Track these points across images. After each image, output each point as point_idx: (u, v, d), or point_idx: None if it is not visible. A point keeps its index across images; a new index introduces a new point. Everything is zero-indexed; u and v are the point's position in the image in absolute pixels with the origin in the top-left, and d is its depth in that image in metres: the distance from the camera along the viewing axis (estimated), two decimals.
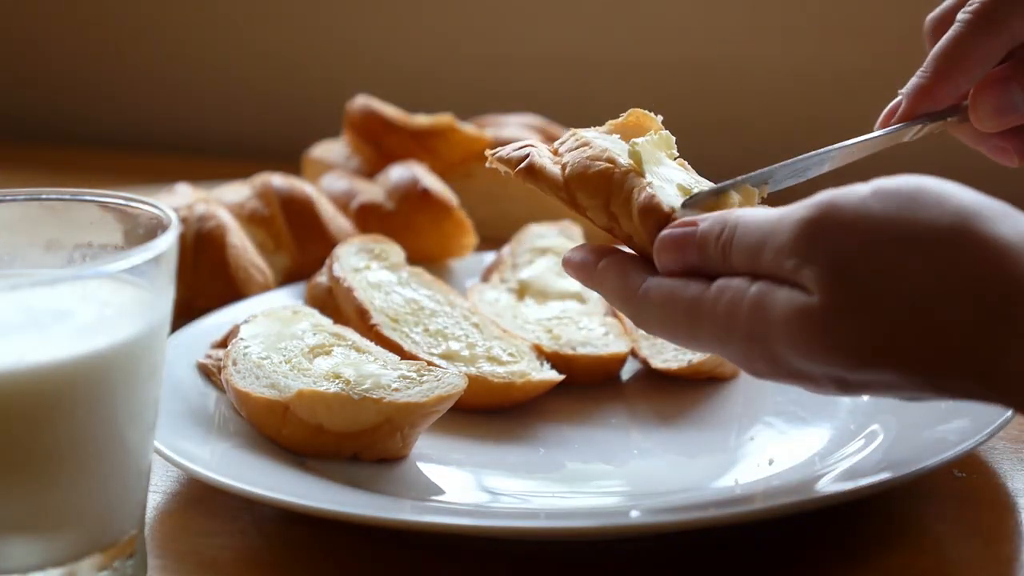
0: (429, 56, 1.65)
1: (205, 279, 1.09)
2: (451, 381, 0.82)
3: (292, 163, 1.39)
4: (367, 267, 1.01)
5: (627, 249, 0.75)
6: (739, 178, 0.74)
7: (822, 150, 0.77)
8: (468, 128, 1.31)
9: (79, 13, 1.77)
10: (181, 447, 0.79)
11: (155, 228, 0.68)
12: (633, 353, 0.97)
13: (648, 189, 0.72)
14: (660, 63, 1.56)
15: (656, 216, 0.71)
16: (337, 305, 0.98)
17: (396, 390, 0.81)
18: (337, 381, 0.82)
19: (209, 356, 0.92)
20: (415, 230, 1.15)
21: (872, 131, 0.80)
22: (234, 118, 1.73)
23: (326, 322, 0.92)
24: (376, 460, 0.82)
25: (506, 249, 1.09)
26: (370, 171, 1.30)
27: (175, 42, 1.75)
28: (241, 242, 1.11)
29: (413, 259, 1.05)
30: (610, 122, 0.79)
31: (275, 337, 0.88)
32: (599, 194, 0.73)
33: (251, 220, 1.15)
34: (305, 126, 1.61)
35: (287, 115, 1.70)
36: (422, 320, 0.96)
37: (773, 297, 0.63)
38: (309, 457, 0.81)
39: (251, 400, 0.82)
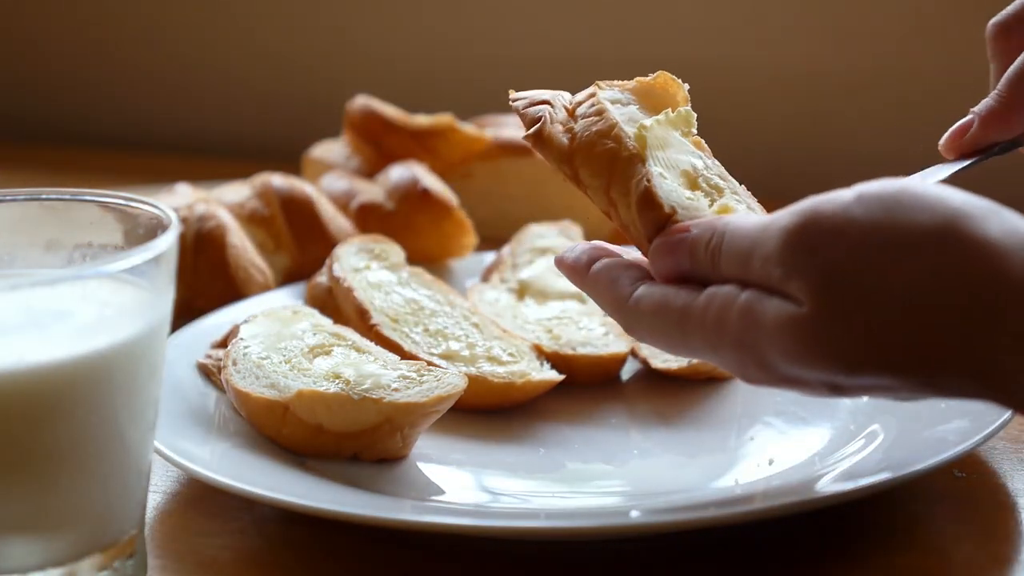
0: (429, 56, 1.65)
1: (205, 279, 1.09)
2: (451, 381, 0.82)
3: (292, 163, 1.39)
4: (367, 267, 1.01)
5: (617, 249, 0.74)
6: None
7: None
8: (468, 128, 1.31)
9: (79, 13, 1.77)
10: (181, 447, 0.79)
11: (155, 228, 0.68)
12: (633, 353, 0.97)
13: (645, 182, 0.71)
14: (660, 63, 1.55)
15: (655, 213, 0.70)
16: (337, 305, 0.98)
17: (396, 390, 0.81)
18: (337, 381, 0.82)
19: (209, 356, 0.92)
20: (415, 230, 1.15)
21: (939, 142, 0.79)
22: (234, 118, 1.73)
23: (326, 322, 0.92)
24: (376, 460, 0.82)
25: (506, 249, 1.09)
26: (370, 171, 1.30)
27: (175, 42, 1.75)
28: (241, 242, 1.11)
29: (413, 259, 1.05)
30: (638, 79, 0.78)
31: (275, 337, 0.88)
32: (601, 175, 0.73)
33: (251, 220, 1.15)
34: (305, 126, 1.61)
35: (287, 115, 1.70)
36: (422, 320, 0.96)
37: (763, 306, 0.63)
38: (309, 457, 0.81)
39: (251, 400, 0.82)
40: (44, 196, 0.71)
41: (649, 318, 0.69)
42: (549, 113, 0.75)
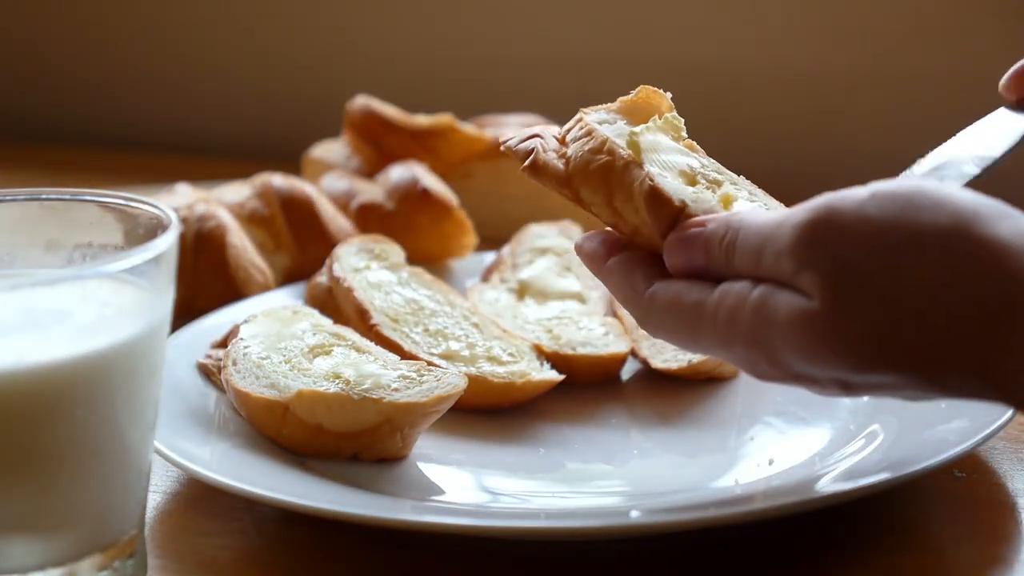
0: (429, 56, 1.65)
1: (205, 279, 1.09)
2: (451, 381, 0.82)
3: (292, 163, 1.39)
4: (367, 267, 1.01)
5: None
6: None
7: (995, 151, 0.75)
8: (468, 128, 1.31)
9: (79, 13, 1.77)
10: (181, 447, 0.79)
11: (155, 228, 0.68)
12: (633, 353, 0.97)
13: (648, 181, 0.71)
14: (660, 63, 1.56)
15: (665, 210, 0.70)
16: (337, 305, 0.98)
17: (396, 390, 0.81)
18: (337, 381, 0.82)
19: (209, 356, 0.92)
20: (415, 230, 1.15)
21: (1000, 82, 0.77)
22: (234, 118, 1.73)
23: (326, 322, 0.92)
24: (376, 460, 0.82)
25: (506, 249, 1.09)
26: (370, 171, 1.30)
27: (175, 42, 1.75)
28: (241, 242, 1.11)
29: (413, 259, 1.05)
30: (620, 99, 0.78)
31: (275, 337, 0.88)
32: (600, 190, 0.73)
33: (251, 220, 1.15)
34: (305, 126, 1.61)
35: (287, 115, 1.70)
36: (422, 320, 0.96)
37: (775, 302, 0.64)
38: (309, 457, 0.81)
39: (251, 400, 0.82)
40: (44, 196, 0.71)
41: (662, 314, 0.70)
42: (540, 144, 0.77)
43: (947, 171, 0.74)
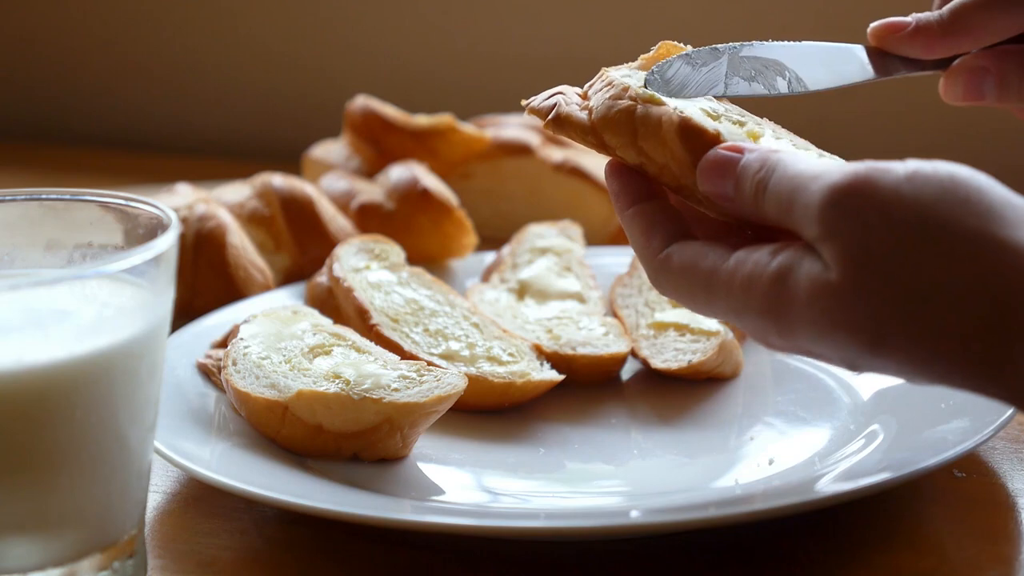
0: (429, 56, 1.65)
1: (205, 279, 1.09)
2: (451, 381, 0.82)
3: (292, 163, 1.39)
4: (367, 267, 1.01)
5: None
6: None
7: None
8: (468, 128, 1.31)
9: (79, 13, 1.77)
10: (181, 447, 0.79)
11: (155, 228, 0.68)
12: (633, 353, 0.97)
13: (677, 115, 0.71)
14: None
15: (701, 139, 0.70)
16: (337, 305, 0.98)
17: (396, 390, 0.81)
18: (337, 381, 0.82)
19: (209, 356, 0.92)
20: (415, 230, 1.15)
21: (871, 25, 0.79)
22: (234, 118, 1.73)
23: (326, 322, 0.92)
24: (376, 460, 0.82)
25: (506, 249, 1.09)
26: (370, 171, 1.30)
27: (175, 42, 1.75)
28: (241, 242, 1.11)
29: (413, 259, 1.05)
30: (642, 56, 0.78)
31: (275, 337, 0.88)
32: (625, 132, 0.73)
33: (251, 220, 1.15)
34: (305, 126, 1.61)
35: (287, 115, 1.71)
36: (422, 320, 0.96)
37: (796, 276, 0.63)
38: (309, 457, 0.81)
39: (251, 400, 0.82)
40: (44, 196, 0.71)
41: (676, 275, 0.69)
42: (562, 99, 0.76)
43: (764, 78, 0.75)
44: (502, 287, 1.05)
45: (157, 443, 0.76)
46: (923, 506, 0.78)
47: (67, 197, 0.71)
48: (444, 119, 1.30)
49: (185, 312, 1.00)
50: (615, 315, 1.01)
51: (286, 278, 1.15)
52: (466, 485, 0.82)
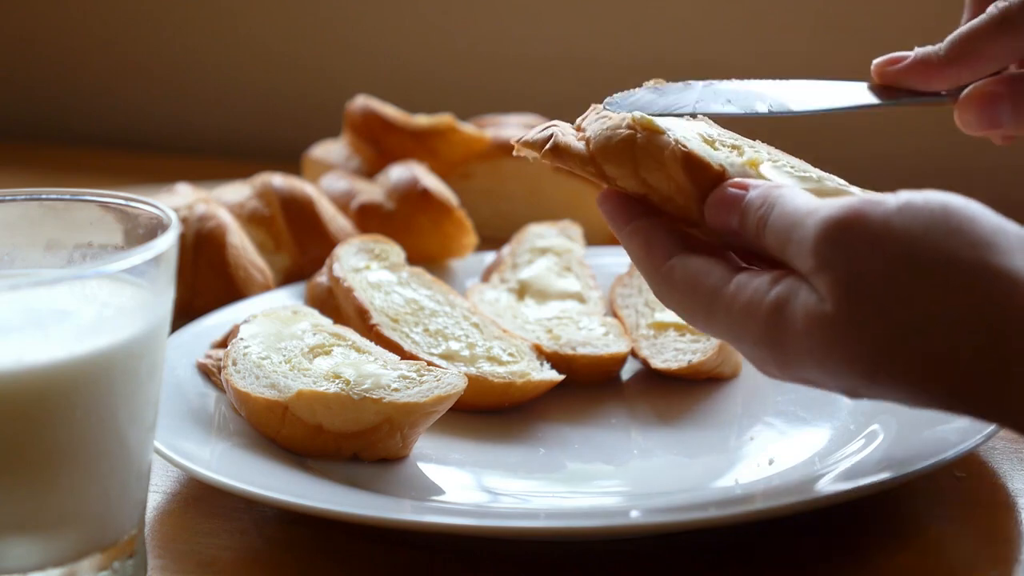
0: (429, 56, 1.65)
1: (205, 279, 1.09)
2: (451, 381, 0.82)
3: (292, 163, 1.39)
4: (367, 267, 1.01)
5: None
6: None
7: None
8: (468, 128, 1.31)
9: (79, 13, 1.77)
10: (181, 447, 0.79)
11: (155, 228, 0.68)
12: (633, 353, 0.96)
13: (680, 148, 0.72)
14: (660, 63, 1.56)
15: (705, 173, 0.71)
16: (337, 305, 0.98)
17: (396, 390, 0.81)
18: (337, 381, 0.82)
19: (209, 356, 0.92)
20: (415, 230, 1.15)
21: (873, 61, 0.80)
22: (234, 118, 1.73)
23: (326, 322, 0.92)
24: (376, 460, 0.82)
25: (506, 249, 1.09)
26: (370, 171, 1.30)
27: (175, 42, 1.75)
28: (241, 242, 1.11)
29: (413, 259, 1.05)
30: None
31: (275, 337, 0.88)
32: (626, 162, 0.73)
33: (251, 220, 1.15)
34: (305, 126, 1.61)
35: (287, 115, 1.70)
36: (422, 320, 0.96)
37: (793, 307, 0.64)
38: (309, 457, 0.81)
39: (251, 400, 0.82)
40: (44, 196, 0.71)
41: (678, 290, 0.70)
42: (557, 131, 0.76)
43: (741, 100, 0.78)
44: (502, 287, 1.05)
45: (157, 443, 0.76)
46: (923, 506, 0.78)
47: (67, 197, 0.71)
48: (444, 119, 1.30)
49: (185, 312, 1.00)
50: (615, 315, 1.01)
51: (286, 278, 1.14)
52: (466, 485, 0.82)
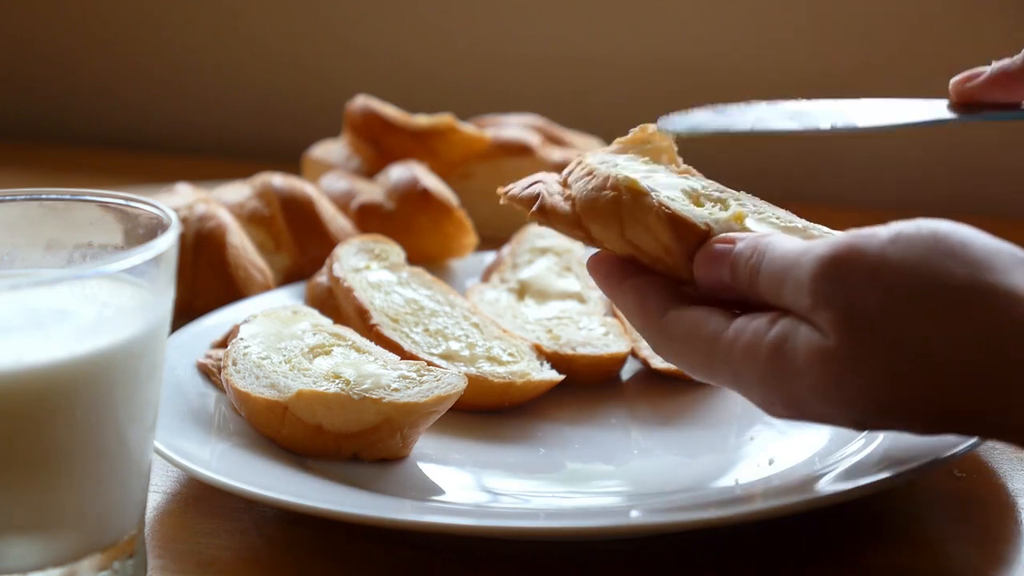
0: (429, 56, 1.65)
1: (205, 279, 1.09)
2: (451, 381, 0.82)
3: (292, 163, 1.39)
4: (367, 267, 1.01)
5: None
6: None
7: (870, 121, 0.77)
8: (468, 128, 1.31)
9: (79, 13, 1.77)
10: (181, 447, 0.79)
11: (155, 228, 0.68)
12: (633, 353, 0.97)
13: (665, 210, 0.72)
14: (660, 63, 1.56)
15: (691, 234, 0.72)
16: (337, 305, 0.98)
17: (396, 390, 0.81)
18: (337, 381, 0.82)
19: (209, 356, 0.92)
20: (415, 230, 1.16)
21: (948, 91, 0.79)
22: (234, 118, 1.73)
23: (326, 322, 0.92)
24: (376, 460, 0.82)
25: (506, 249, 1.10)
26: (370, 171, 1.30)
27: (175, 42, 1.75)
28: (241, 242, 1.11)
29: (413, 259, 1.05)
30: (618, 140, 0.81)
31: (275, 337, 0.88)
32: (612, 225, 0.74)
33: (251, 220, 1.15)
34: (305, 126, 1.61)
35: (287, 115, 1.71)
36: (422, 320, 0.96)
37: (794, 343, 0.64)
38: (309, 457, 0.81)
39: (251, 400, 0.82)
40: (44, 196, 0.71)
41: (677, 343, 0.71)
42: (544, 189, 0.77)
43: (804, 119, 0.76)
44: (502, 287, 1.05)
45: (157, 443, 0.76)
46: (923, 506, 0.78)
47: (67, 197, 0.71)
48: (444, 119, 1.30)
49: (185, 312, 1.00)
50: (615, 315, 1.01)
51: (286, 278, 1.15)
52: (466, 485, 0.82)
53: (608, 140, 0.85)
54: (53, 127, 1.79)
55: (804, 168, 1.51)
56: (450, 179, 1.27)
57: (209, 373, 0.91)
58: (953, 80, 0.79)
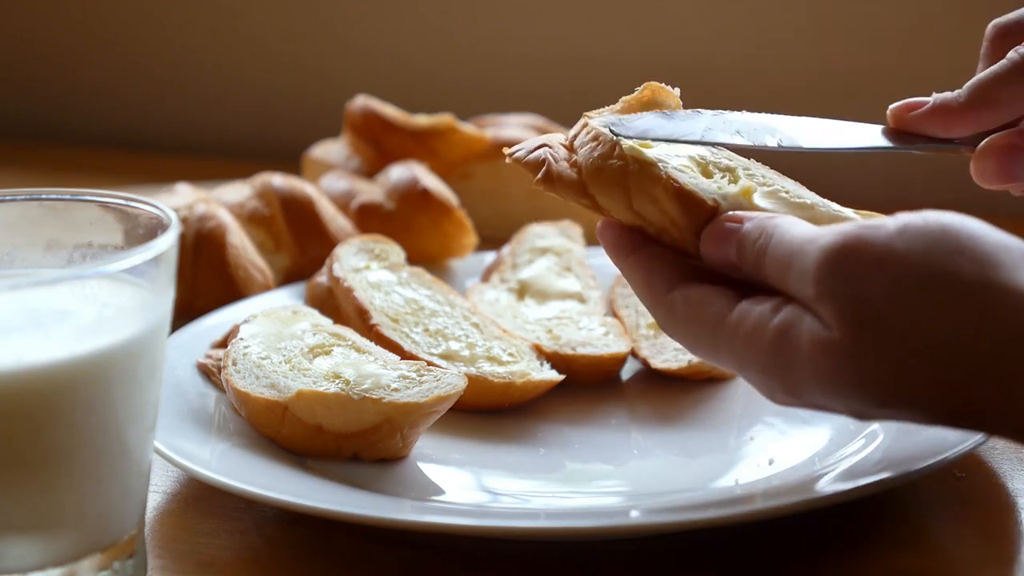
0: (429, 56, 1.65)
1: (205, 279, 1.09)
2: (451, 381, 0.82)
3: (292, 163, 1.39)
4: (367, 267, 1.01)
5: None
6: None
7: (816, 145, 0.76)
8: (468, 128, 1.31)
9: (79, 13, 1.77)
10: (181, 447, 0.79)
11: (155, 228, 0.68)
12: (633, 353, 0.97)
13: (673, 184, 0.71)
14: (660, 63, 1.56)
15: (699, 210, 0.71)
16: (337, 305, 0.98)
17: (396, 390, 0.81)
18: (337, 381, 0.82)
19: (209, 356, 0.92)
20: (415, 230, 1.15)
21: (882, 122, 0.79)
22: (234, 118, 1.73)
23: (326, 322, 0.92)
24: (376, 460, 0.82)
25: (506, 249, 1.09)
26: (370, 171, 1.30)
27: (175, 42, 1.75)
28: (241, 242, 1.11)
29: (413, 259, 1.05)
30: (623, 99, 0.78)
31: (275, 337, 0.88)
32: (618, 195, 0.73)
33: (251, 220, 1.15)
34: (305, 126, 1.61)
35: (287, 115, 1.71)
36: (422, 320, 0.96)
37: (797, 332, 0.64)
38: (309, 457, 0.81)
39: (251, 400, 0.82)
40: (44, 196, 0.71)
41: (681, 322, 0.70)
42: (550, 154, 0.76)
43: (751, 132, 0.75)
44: (502, 287, 1.05)
45: (157, 443, 0.76)
46: (923, 506, 0.78)
47: (67, 197, 0.71)
48: (444, 119, 1.30)
49: (185, 312, 1.00)
50: (615, 315, 1.01)
51: (286, 278, 1.15)
52: (466, 485, 0.82)
53: None
54: (53, 127, 1.79)
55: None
56: (450, 179, 1.27)
57: (209, 373, 0.91)
58: (892, 106, 0.78)
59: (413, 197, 1.17)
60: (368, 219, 1.18)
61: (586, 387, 0.94)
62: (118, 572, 0.68)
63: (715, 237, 0.70)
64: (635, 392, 0.95)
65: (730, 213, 0.70)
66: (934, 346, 0.61)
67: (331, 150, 1.35)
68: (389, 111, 1.31)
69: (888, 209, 0.69)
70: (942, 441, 0.76)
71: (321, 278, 1.02)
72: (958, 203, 0.71)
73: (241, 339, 0.88)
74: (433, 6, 1.65)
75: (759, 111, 0.78)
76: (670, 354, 0.95)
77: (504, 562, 0.73)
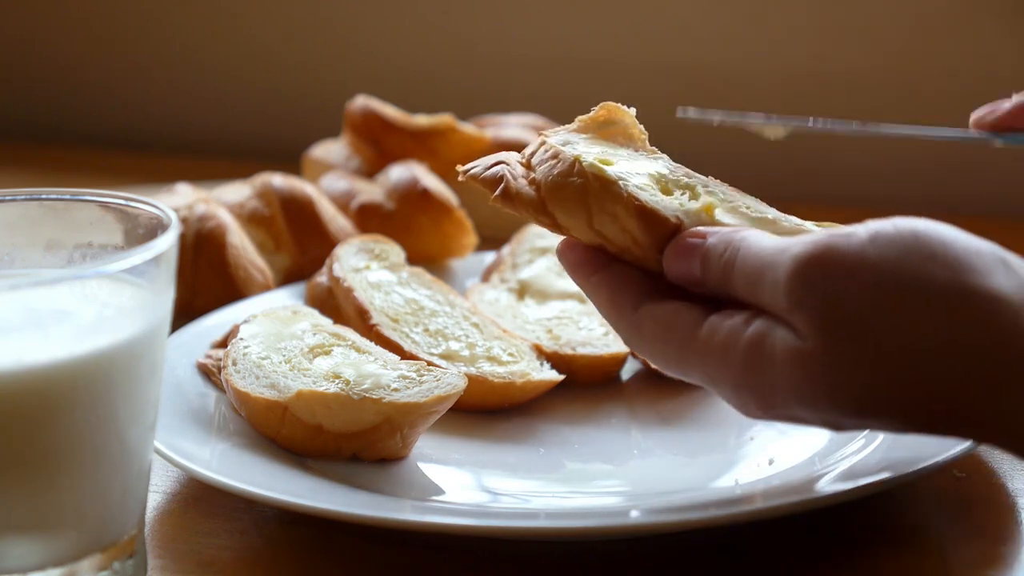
0: (429, 56, 1.65)
1: (205, 279, 1.09)
2: (451, 381, 0.82)
3: (292, 163, 1.39)
4: (367, 267, 1.01)
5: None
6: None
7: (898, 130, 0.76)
8: (468, 128, 1.31)
9: (79, 13, 1.77)
10: (181, 447, 0.79)
11: (155, 228, 0.68)
12: (633, 353, 0.96)
13: (635, 202, 0.70)
14: (660, 63, 1.56)
15: (661, 227, 0.70)
16: (337, 305, 0.98)
17: (396, 390, 0.81)
18: (337, 381, 0.82)
19: (209, 356, 0.92)
20: (415, 230, 1.15)
21: (969, 123, 0.78)
22: (234, 118, 1.73)
23: (326, 322, 0.92)
24: (376, 460, 0.82)
25: (506, 249, 1.09)
26: (370, 171, 1.30)
27: (175, 42, 1.75)
28: (241, 242, 1.11)
29: (413, 259, 1.05)
30: (579, 118, 0.78)
31: (275, 337, 0.88)
32: (578, 213, 0.72)
33: (251, 220, 1.15)
34: (305, 126, 1.61)
35: (287, 115, 1.71)
36: (422, 320, 0.96)
37: (771, 342, 0.63)
38: (309, 457, 0.81)
39: (251, 400, 0.82)
40: (44, 196, 0.71)
41: (649, 339, 0.69)
42: (508, 171, 0.75)
43: (827, 121, 0.75)
44: (502, 287, 1.05)
45: (157, 443, 0.76)
46: (923, 506, 0.78)
47: (67, 197, 0.71)
48: (444, 119, 1.30)
49: (185, 312, 1.00)
50: None
51: (286, 278, 1.15)
52: (466, 485, 0.82)
53: None
54: (53, 127, 1.79)
55: (782, 164, 1.51)
56: (450, 179, 1.26)
57: (209, 373, 0.91)
58: (975, 114, 0.78)
59: (413, 197, 1.17)
60: (368, 219, 1.18)
61: (586, 387, 0.94)
62: (118, 572, 0.68)
63: (678, 253, 0.69)
64: (635, 392, 0.95)
65: (693, 229, 0.70)
66: (910, 352, 0.60)
67: (331, 150, 1.35)
68: (389, 111, 1.31)
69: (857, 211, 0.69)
70: (942, 441, 0.76)
71: (321, 278, 1.02)
72: (926, 198, 0.71)
73: (241, 339, 0.88)
74: (433, 6, 1.65)
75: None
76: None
77: (504, 562, 0.73)
